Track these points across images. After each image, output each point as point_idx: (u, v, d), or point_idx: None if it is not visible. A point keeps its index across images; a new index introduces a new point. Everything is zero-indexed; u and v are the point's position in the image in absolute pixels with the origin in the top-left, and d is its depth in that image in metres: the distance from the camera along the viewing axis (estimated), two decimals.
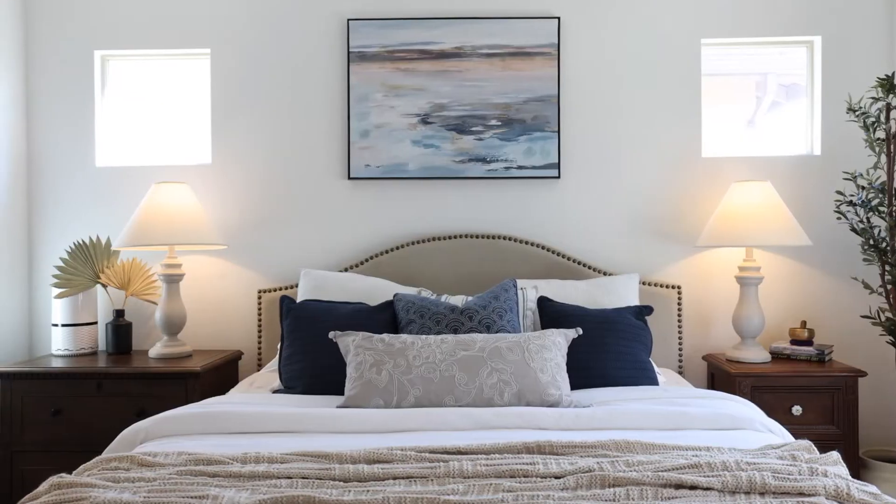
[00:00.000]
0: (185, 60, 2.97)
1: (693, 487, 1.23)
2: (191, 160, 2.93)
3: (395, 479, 1.33)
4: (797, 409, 2.40)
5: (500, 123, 2.82)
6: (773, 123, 3.02)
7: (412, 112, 2.83)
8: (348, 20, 2.81)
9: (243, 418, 1.75)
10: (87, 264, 2.68)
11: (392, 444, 1.53)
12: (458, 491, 1.25)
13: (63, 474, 1.35)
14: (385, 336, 1.95)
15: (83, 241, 2.70)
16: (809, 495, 1.19)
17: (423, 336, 1.95)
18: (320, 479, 1.33)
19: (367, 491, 1.26)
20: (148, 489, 1.25)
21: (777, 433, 1.70)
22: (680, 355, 2.72)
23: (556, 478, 1.30)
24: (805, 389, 2.43)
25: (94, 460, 1.47)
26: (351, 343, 1.95)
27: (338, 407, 1.86)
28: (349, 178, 2.83)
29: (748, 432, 1.66)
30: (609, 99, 2.83)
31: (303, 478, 1.33)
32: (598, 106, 2.83)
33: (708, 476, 1.25)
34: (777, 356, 2.59)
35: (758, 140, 2.98)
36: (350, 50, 2.82)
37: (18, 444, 2.41)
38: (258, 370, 2.71)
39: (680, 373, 2.68)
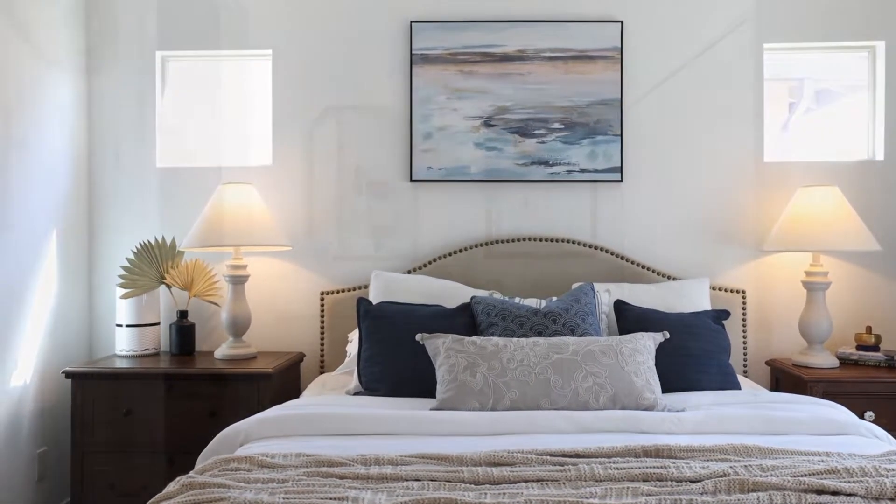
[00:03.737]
0: (246, 61, 2.97)
1: (835, 493, 1.23)
2: (252, 161, 2.93)
3: (525, 481, 1.32)
4: (870, 415, 2.39)
5: (562, 126, 2.82)
6: (809, 128, 3.02)
7: (475, 115, 2.83)
8: (411, 22, 2.81)
9: (343, 420, 1.75)
10: (152, 265, 2.67)
11: (495, 446, 1.52)
12: (597, 494, 1.24)
13: (191, 474, 1.34)
14: (476, 339, 1.95)
15: (149, 242, 2.69)
16: None
17: (514, 339, 1.94)
18: (450, 481, 1.32)
19: (504, 493, 1.25)
20: (284, 491, 1.24)
21: (883, 439, 1.69)
22: (745, 360, 2.72)
23: (692, 482, 1.29)
24: (877, 395, 2.42)
25: (211, 461, 1.46)
26: (441, 345, 1.95)
27: (431, 409, 1.85)
28: (411, 180, 2.83)
29: (856, 437, 1.66)
30: (672, 102, 2.83)
31: (431, 480, 1.33)
32: (661, 109, 2.83)
33: (849, 482, 1.24)
34: (844, 361, 2.58)
35: (794, 145, 2.98)
36: (413, 52, 2.82)
37: (89, 445, 2.40)
38: (321, 373, 2.70)
39: (745, 377, 2.66)
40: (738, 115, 2.82)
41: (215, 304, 2.74)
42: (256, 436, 1.70)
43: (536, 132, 2.82)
